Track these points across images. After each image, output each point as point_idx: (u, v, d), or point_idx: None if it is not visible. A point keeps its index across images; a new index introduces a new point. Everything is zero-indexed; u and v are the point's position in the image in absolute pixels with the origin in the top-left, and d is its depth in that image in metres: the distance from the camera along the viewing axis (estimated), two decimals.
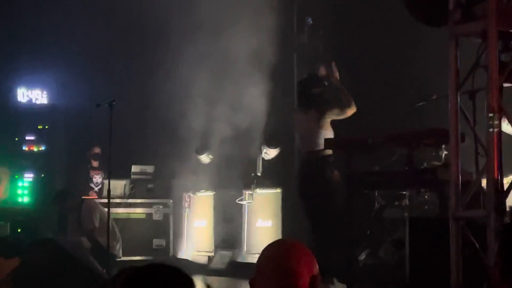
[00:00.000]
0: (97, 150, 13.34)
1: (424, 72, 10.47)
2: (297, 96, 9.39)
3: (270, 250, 2.95)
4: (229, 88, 11.88)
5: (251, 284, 2.92)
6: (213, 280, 10.72)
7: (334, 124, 10.24)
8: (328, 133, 9.53)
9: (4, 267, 7.72)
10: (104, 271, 10.02)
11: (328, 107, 9.41)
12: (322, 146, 9.16)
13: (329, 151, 9.19)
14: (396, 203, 9.79)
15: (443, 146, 8.48)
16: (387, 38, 11.76)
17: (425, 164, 8.81)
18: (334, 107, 9.50)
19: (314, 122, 9.18)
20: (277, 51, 12.32)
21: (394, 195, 9.82)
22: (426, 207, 9.31)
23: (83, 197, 11.97)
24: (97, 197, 12.38)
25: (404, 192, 9.52)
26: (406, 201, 9.54)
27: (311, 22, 13.74)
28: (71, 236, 11.32)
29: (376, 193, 9.99)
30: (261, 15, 11.79)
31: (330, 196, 9.09)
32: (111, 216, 11.09)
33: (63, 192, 12.01)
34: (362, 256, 9.73)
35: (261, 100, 12.04)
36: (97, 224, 11.15)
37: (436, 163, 8.64)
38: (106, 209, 10.72)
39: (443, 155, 8.56)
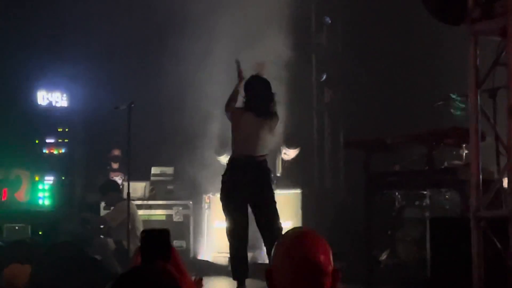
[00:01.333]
0: (116, 152, 13.38)
1: (444, 71, 10.42)
2: (261, 106, 8.82)
3: (290, 240, 2.83)
4: None
5: (267, 275, 2.82)
6: (234, 281, 10.72)
7: (354, 124, 10.20)
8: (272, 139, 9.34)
9: (23, 273, 7.73)
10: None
11: (277, 119, 9.17)
12: (266, 152, 8.95)
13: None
14: (417, 202, 9.77)
15: (464, 145, 8.44)
16: (406, 37, 11.72)
17: (445, 164, 8.79)
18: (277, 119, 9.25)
19: (266, 131, 8.95)
20: (295, 51, 12.30)
21: (414, 194, 9.80)
22: (447, 207, 9.28)
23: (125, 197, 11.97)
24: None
25: (425, 192, 9.49)
26: (427, 201, 9.51)
27: (329, 22, 13.72)
28: (98, 235, 11.33)
29: (397, 193, 9.97)
30: (278, 15, 11.78)
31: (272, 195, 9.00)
32: (140, 218, 11.13)
33: (111, 182, 12.00)
34: (383, 257, 9.71)
35: (280, 100, 12.02)
36: (115, 224, 11.10)
37: (456, 162, 8.61)
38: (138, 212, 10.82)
39: (464, 154, 8.53)
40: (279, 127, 11.91)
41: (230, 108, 8.96)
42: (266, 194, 8.81)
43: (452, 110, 7.99)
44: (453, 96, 8.00)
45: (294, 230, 2.93)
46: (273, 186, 9.18)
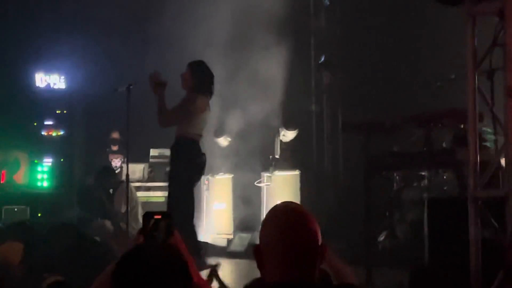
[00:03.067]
0: (115, 135, 13.40)
1: (442, 52, 10.42)
2: (210, 86, 8.77)
3: (276, 216, 2.80)
4: (246, 71, 11.88)
5: (255, 252, 2.80)
6: (233, 262, 10.76)
7: (353, 105, 10.17)
8: None
9: (16, 251, 7.74)
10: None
11: None
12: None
13: None
14: (415, 184, 9.80)
15: (462, 126, 8.45)
16: (404, 18, 11.71)
17: (443, 145, 8.80)
18: None
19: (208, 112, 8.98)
20: (294, 34, 12.29)
21: (412, 176, 9.82)
22: (445, 188, 9.31)
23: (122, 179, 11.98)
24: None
25: (423, 173, 9.52)
26: (425, 182, 9.54)
27: (328, 4, 13.70)
28: (96, 217, 11.36)
29: (395, 175, 9.99)
30: None
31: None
32: (139, 200, 11.16)
33: (105, 169, 12.00)
34: (381, 238, 9.75)
35: (279, 83, 12.04)
36: (123, 210, 11.13)
37: (454, 143, 8.62)
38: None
39: (461, 135, 8.53)
40: (279, 109, 11.96)
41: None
42: None
43: (484, 143, 7.99)
44: (486, 129, 7.99)
45: (280, 205, 2.90)
46: None
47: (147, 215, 2.75)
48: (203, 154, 8.79)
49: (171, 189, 8.67)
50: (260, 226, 2.84)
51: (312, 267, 2.75)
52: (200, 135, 8.76)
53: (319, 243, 2.77)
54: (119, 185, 11.36)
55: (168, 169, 12.99)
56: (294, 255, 2.73)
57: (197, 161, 8.73)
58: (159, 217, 2.74)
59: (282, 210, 2.84)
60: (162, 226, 2.75)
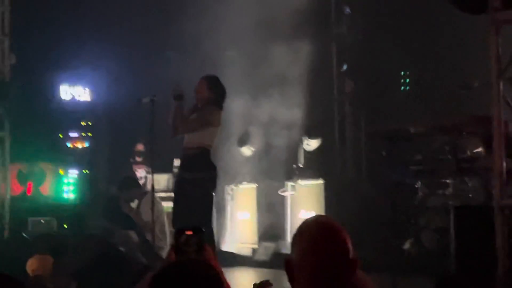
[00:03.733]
0: (140, 147, 13.43)
1: (466, 59, 10.41)
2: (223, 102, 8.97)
3: (309, 229, 2.81)
4: (268, 81, 11.91)
5: (287, 265, 2.80)
6: (258, 271, 10.78)
7: (376, 113, 10.18)
8: None
9: (47, 264, 7.82)
10: (148, 264, 10.09)
11: None
12: None
13: None
14: (440, 191, 9.78)
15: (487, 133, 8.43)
16: (426, 25, 11.71)
17: (468, 153, 8.79)
18: None
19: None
20: (315, 41, 12.31)
21: (437, 183, 9.80)
22: (470, 195, 9.28)
23: (146, 190, 12.02)
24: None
25: (448, 181, 9.50)
26: (450, 189, 9.52)
27: (349, 11, 13.72)
28: (121, 228, 11.39)
29: (420, 182, 9.98)
30: (298, 5, 11.79)
31: None
32: (164, 211, 11.17)
33: (129, 179, 12.03)
34: (406, 245, 9.73)
35: (301, 91, 12.06)
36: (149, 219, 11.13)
37: (479, 151, 8.61)
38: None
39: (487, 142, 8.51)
40: (302, 118, 11.98)
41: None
42: None
43: None
44: None
45: (312, 219, 2.91)
46: None
47: (179, 231, 2.78)
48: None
49: (193, 198, 8.66)
50: (291, 240, 2.85)
51: (343, 281, 2.77)
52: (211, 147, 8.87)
53: (351, 257, 2.79)
54: (143, 195, 11.40)
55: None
56: (325, 270, 2.75)
57: (216, 172, 8.81)
58: (191, 233, 2.77)
59: (314, 224, 2.86)
60: (193, 242, 2.77)
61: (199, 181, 8.61)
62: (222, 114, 8.92)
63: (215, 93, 8.82)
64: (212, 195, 8.73)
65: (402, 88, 12.07)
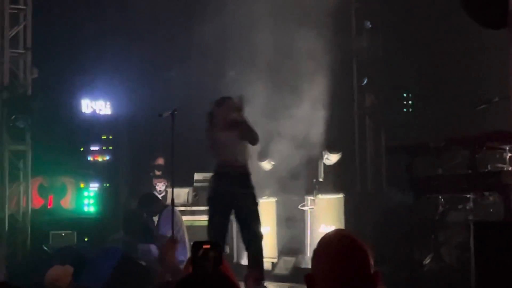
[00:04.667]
0: (160, 161, 13.46)
1: (486, 74, 10.38)
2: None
3: (329, 244, 2.80)
4: (288, 94, 11.92)
5: (307, 280, 2.79)
6: (278, 286, 10.76)
7: (398, 126, 10.13)
8: None
9: (66, 275, 7.85)
10: (170, 279, 10.09)
11: None
12: None
13: None
14: (460, 206, 9.72)
15: (507, 148, 8.40)
16: (447, 40, 11.69)
17: (488, 167, 8.74)
18: None
19: None
20: (335, 56, 12.31)
21: (457, 198, 9.75)
22: (491, 210, 9.22)
23: (166, 204, 12.04)
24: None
25: (468, 195, 9.45)
26: (470, 204, 9.46)
27: (370, 26, 13.72)
28: (141, 242, 11.42)
29: (440, 197, 9.93)
30: (318, 20, 11.80)
31: None
32: (183, 224, 11.21)
33: (149, 196, 12.09)
34: (427, 261, 9.68)
35: (321, 106, 12.05)
36: (169, 234, 11.14)
37: (500, 165, 8.56)
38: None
39: (508, 157, 8.48)
40: (321, 133, 11.97)
41: None
42: None
43: None
44: None
45: (333, 234, 2.90)
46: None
47: (196, 245, 2.78)
48: None
49: (252, 211, 9.21)
50: (312, 254, 2.84)
51: None
52: None
53: (372, 271, 2.78)
54: (163, 209, 11.42)
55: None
56: (346, 284, 2.73)
57: None
58: (208, 246, 2.77)
59: (334, 238, 2.85)
60: (211, 256, 2.77)
61: (254, 196, 9.29)
62: None
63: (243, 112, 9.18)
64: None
65: (423, 102, 12.02)
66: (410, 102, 12.86)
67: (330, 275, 2.74)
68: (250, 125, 9.16)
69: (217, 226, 9.14)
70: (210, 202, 9.31)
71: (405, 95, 12.77)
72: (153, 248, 11.03)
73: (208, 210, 9.37)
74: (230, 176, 9.25)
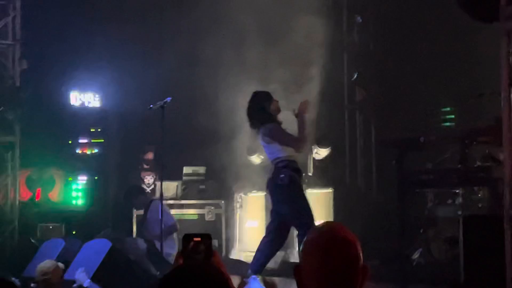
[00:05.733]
0: (150, 155, 13.41)
1: (477, 68, 10.38)
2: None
3: (318, 236, 2.79)
4: (278, 89, 11.88)
5: (296, 272, 2.77)
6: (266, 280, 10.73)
7: (389, 121, 10.12)
8: None
9: (57, 270, 7.87)
10: (158, 273, 10.07)
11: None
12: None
13: None
14: (449, 201, 9.74)
15: (498, 143, 8.39)
16: (438, 34, 11.68)
17: (478, 162, 8.74)
18: None
19: None
20: (326, 50, 12.29)
21: (447, 193, 9.76)
22: (480, 205, 9.23)
23: (153, 197, 12.01)
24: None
25: (458, 190, 9.45)
26: (460, 199, 9.47)
27: (361, 21, 13.70)
28: (131, 236, 11.39)
29: (429, 192, 9.94)
30: (310, 14, 11.78)
31: None
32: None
33: (135, 188, 12.05)
34: (416, 255, 9.69)
35: (311, 100, 12.02)
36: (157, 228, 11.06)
37: (490, 160, 8.55)
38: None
39: (497, 152, 8.46)
40: (311, 127, 11.94)
41: None
42: None
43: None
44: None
45: (322, 226, 2.89)
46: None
47: (187, 237, 2.74)
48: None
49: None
50: (302, 246, 2.81)
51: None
52: None
53: (361, 264, 2.75)
54: (150, 203, 11.40)
55: (201, 186, 13.11)
56: (335, 277, 2.71)
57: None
58: (199, 239, 2.73)
59: (325, 230, 2.83)
60: (201, 248, 2.73)
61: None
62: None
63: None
64: None
65: (413, 96, 12.00)
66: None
67: (318, 267, 2.72)
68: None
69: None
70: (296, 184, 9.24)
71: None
72: (140, 242, 10.99)
73: (298, 191, 9.28)
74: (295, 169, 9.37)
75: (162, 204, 10.22)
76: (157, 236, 10.37)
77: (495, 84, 6.71)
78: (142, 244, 10.93)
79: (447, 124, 10.82)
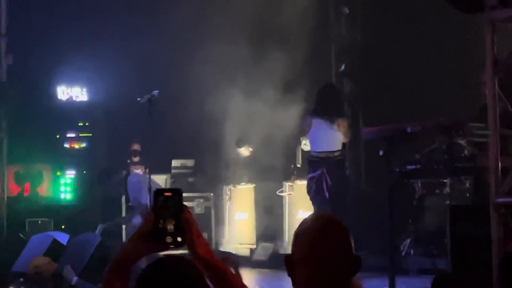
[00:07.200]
0: (136, 146, 13.39)
1: (463, 59, 10.40)
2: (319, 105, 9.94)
3: (309, 227, 2.77)
4: (267, 81, 11.89)
5: (287, 262, 2.76)
6: (256, 271, 10.76)
7: (375, 113, 10.15)
8: None
9: (49, 266, 7.90)
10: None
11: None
12: None
13: None
14: (437, 191, 9.77)
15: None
16: (424, 25, 11.70)
17: (465, 152, 8.77)
18: None
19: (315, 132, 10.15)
20: (314, 41, 12.29)
21: (435, 183, 9.79)
22: (467, 195, 9.26)
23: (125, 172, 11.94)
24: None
25: (445, 180, 9.48)
26: (447, 189, 9.50)
27: (348, 12, 13.70)
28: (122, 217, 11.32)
29: (417, 182, 9.96)
30: (297, 5, 11.78)
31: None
32: None
33: (105, 170, 12.00)
34: (404, 245, 9.72)
35: (299, 92, 12.03)
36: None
37: (476, 150, 8.58)
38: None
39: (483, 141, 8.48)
40: (300, 118, 11.97)
41: None
42: None
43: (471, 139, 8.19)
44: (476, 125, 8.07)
45: (313, 217, 2.87)
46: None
47: (158, 192, 2.74)
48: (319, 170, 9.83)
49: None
50: (293, 236, 2.80)
51: (344, 279, 2.74)
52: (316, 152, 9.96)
53: (352, 255, 2.75)
54: (126, 177, 11.34)
55: (190, 179, 13.11)
56: (325, 267, 2.70)
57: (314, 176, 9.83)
58: (170, 194, 2.72)
59: (315, 221, 2.81)
60: (171, 204, 2.73)
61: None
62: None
63: (316, 102, 10.12)
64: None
65: (401, 88, 12.03)
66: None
67: (309, 257, 2.71)
68: None
69: None
70: None
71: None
72: (137, 220, 10.96)
73: None
74: None
75: (151, 196, 10.20)
76: (145, 206, 10.40)
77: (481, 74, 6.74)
78: (138, 221, 10.90)
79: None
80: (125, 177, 11.49)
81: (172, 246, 2.61)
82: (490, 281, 5.66)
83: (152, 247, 2.64)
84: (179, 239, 2.62)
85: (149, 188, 9.99)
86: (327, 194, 9.79)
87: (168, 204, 2.68)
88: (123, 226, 11.46)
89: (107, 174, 11.72)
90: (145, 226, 2.65)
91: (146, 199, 10.55)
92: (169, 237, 2.61)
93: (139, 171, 13.26)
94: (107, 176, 11.63)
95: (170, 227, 2.63)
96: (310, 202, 11.32)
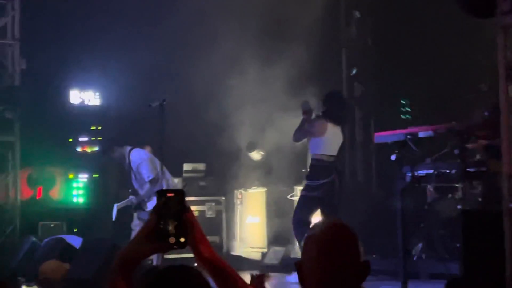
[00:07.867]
0: (148, 150, 13.40)
1: (475, 63, 10.40)
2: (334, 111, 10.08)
3: (319, 233, 2.82)
4: (277, 85, 11.91)
5: (297, 268, 2.82)
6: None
7: (388, 116, 10.15)
8: None
9: (60, 270, 7.89)
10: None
11: None
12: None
13: None
14: (449, 195, 9.76)
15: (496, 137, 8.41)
16: (435, 29, 11.70)
17: (477, 156, 8.77)
18: None
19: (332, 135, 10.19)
20: (325, 46, 12.31)
21: (447, 187, 9.78)
22: (479, 199, 9.25)
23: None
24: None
25: (457, 185, 9.48)
26: (459, 194, 9.49)
27: (359, 16, 13.72)
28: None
29: (429, 186, 9.96)
30: (308, 9, 11.80)
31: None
32: None
33: (108, 141, 11.80)
34: (416, 249, 9.71)
35: (310, 96, 12.04)
36: (155, 173, 10.85)
37: (489, 155, 8.58)
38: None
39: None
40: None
41: None
42: None
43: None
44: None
45: (323, 223, 2.93)
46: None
47: (160, 193, 2.75)
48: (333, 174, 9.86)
49: (300, 199, 10.30)
50: (303, 242, 2.85)
51: (354, 284, 2.77)
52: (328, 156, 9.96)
53: (360, 261, 2.79)
54: (129, 151, 11.29)
55: (202, 183, 13.11)
56: (334, 273, 2.75)
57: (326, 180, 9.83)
58: (172, 194, 2.74)
59: (325, 227, 2.87)
60: (172, 204, 2.74)
61: (306, 187, 10.07)
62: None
63: (327, 106, 10.12)
64: (306, 197, 10.03)
65: (411, 91, 12.03)
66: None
67: (317, 263, 2.76)
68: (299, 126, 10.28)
69: None
70: None
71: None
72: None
73: None
74: None
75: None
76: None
77: (494, 79, 6.74)
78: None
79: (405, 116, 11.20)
80: (129, 152, 11.35)
81: (176, 246, 2.64)
82: (503, 286, 5.66)
83: (156, 248, 2.66)
84: (182, 239, 2.64)
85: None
86: (336, 199, 9.84)
87: (170, 204, 2.70)
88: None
89: (110, 145, 11.47)
90: (148, 226, 2.67)
91: (155, 171, 10.59)
92: (172, 237, 2.63)
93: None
94: (109, 148, 11.39)
95: (172, 227, 2.65)
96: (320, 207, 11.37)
